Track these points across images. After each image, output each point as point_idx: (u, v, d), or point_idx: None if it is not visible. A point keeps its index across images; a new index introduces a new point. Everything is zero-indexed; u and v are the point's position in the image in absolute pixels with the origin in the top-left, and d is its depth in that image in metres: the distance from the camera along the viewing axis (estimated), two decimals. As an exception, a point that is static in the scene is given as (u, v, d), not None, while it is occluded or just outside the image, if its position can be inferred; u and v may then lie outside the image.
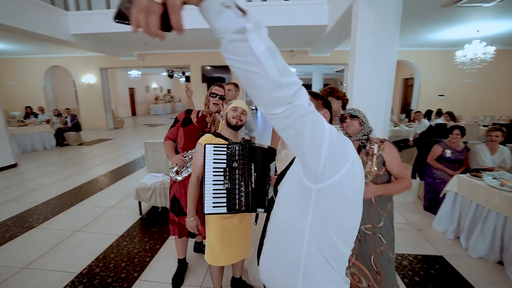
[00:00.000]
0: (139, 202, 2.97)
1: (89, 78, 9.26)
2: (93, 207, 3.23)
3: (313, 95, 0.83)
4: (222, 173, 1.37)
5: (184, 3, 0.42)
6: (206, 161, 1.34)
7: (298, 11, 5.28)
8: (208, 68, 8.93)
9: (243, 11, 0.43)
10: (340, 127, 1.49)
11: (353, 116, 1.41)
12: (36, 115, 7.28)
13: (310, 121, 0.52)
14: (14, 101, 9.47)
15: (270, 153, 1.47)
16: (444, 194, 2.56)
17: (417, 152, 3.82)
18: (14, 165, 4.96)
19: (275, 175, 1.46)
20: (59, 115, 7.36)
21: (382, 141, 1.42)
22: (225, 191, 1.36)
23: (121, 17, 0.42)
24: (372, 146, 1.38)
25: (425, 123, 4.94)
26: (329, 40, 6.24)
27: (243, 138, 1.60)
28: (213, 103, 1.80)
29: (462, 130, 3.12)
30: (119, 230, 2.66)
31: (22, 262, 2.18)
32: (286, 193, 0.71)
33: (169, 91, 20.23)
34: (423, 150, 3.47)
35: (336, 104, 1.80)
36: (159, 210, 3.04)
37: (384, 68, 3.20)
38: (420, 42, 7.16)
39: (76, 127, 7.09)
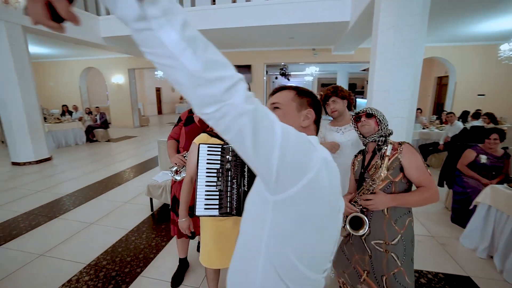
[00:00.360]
0: (151, 199, 3.04)
1: (118, 78, 9.82)
2: (109, 201, 3.38)
3: (299, 93, 0.74)
4: (215, 174, 1.31)
5: None
6: (199, 161, 1.30)
7: (319, 8, 5.08)
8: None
9: None
10: (354, 127, 1.36)
11: (369, 115, 1.27)
12: (70, 113, 7.88)
13: (249, 122, 0.43)
14: (54, 100, 10.36)
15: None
16: (475, 206, 2.27)
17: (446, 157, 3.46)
18: (48, 159, 5.39)
19: None
20: (89, 113, 7.90)
21: (400, 143, 1.24)
22: (217, 193, 1.30)
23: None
24: (392, 149, 1.19)
25: (459, 125, 4.48)
26: (352, 37, 5.94)
27: None
28: None
29: (501, 134, 2.76)
30: (130, 225, 2.74)
31: (41, 249, 2.33)
32: (249, 203, 0.63)
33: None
34: (453, 155, 3.13)
35: (340, 104, 1.66)
36: (170, 207, 3.08)
37: (408, 65, 2.93)
38: (456, 37, 6.53)
39: (105, 124, 7.55)
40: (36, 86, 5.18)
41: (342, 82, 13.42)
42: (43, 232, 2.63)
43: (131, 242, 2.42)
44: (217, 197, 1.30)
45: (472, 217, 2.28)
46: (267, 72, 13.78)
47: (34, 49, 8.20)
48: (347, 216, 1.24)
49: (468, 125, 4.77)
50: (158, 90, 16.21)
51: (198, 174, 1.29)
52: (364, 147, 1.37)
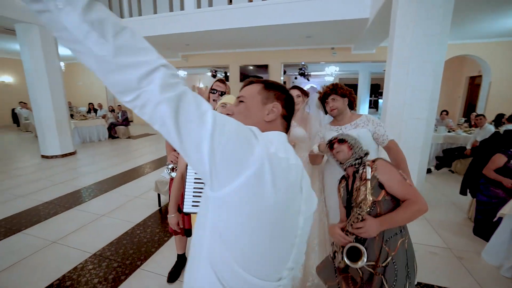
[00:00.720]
0: (158, 195, 3.11)
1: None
2: (122, 195, 3.51)
3: (266, 86, 0.69)
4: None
5: None
6: (190, 158, 1.29)
7: (336, 5, 4.91)
8: (248, 67, 8.99)
9: None
10: (331, 155, 1.33)
11: (341, 141, 1.27)
12: (96, 111, 8.36)
13: (169, 111, 0.41)
14: (82, 98, 11.07)
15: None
16: (500, 219, 2.04)
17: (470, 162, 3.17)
18: (73, 153, 5.75)
19: None
20: (112, 111, 8.33)
21: (373, 160, 1.18)
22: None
23: None
24: (365, 170, 1.14)
25: (489, 128, 4.09)
26: (372, 35, 5.67)
27: None
28: (213, 100, 1.74)
29: None
30: (137, 219, 2.82)
31: (54, 237, 2.47)
32: (201, 202, 0.59)
33: (213, 90, 21.15)
34: (479, 160, 2.85)
35: (340, 102, 1.57)
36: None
37: (428, 63, 2.72)
38: (491, 32, 5.97)
39: (126, 122, 7.91)
40: (66, 85, 5.55)
41: (364, 83, 12.92)
42: (59, 221, 2.79)
43: (135, 236, 2.49)
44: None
45: (497, 230, 2.05)
46: (285, 72, 13.65)
47: (66, 50, 8.82)
48: (343, 247, 1.14)
49: (502, 129, 4.33)
50: (179, 89, 16.70)
51: (187, 171, 1.29)
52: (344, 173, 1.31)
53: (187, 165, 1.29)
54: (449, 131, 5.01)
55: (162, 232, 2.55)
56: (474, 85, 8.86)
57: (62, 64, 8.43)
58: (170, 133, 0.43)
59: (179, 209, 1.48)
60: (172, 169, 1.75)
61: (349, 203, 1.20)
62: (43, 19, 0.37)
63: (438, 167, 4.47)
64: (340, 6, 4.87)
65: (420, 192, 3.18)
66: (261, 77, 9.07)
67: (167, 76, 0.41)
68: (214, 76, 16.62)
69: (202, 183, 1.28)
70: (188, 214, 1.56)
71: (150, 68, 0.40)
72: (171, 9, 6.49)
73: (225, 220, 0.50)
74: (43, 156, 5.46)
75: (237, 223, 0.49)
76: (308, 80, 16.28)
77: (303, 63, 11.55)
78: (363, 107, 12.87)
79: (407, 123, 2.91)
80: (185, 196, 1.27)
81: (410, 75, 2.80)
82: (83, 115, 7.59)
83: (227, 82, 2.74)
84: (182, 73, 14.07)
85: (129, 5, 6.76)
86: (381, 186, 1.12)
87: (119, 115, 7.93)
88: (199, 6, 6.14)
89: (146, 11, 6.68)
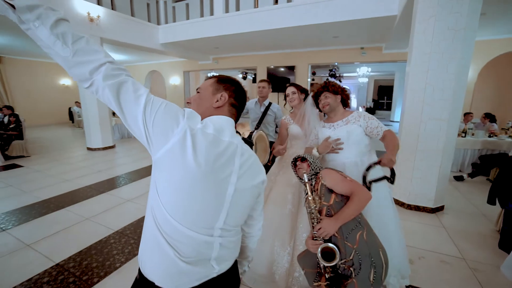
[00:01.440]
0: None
1: (175, 79, 11.01)
2: (146, 184, 3.88)
3: (218, 80, 0.82)
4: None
5: None
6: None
7: (362, 3, 4.78)
8: (278, 69, 9.09)
9: (13, 6, 0.52)
10: (294, 172, 1.49)
11: (303, 159, 1.44)
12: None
13: (111, 95, 0.57)
14: (126, 99, 12.26)
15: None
16: (521, 229, 1.84)
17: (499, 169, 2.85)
18: (112, 146, 6.46)
19: None
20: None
21: (319, 172, 1.37)
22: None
23: None
24: (317, 180, 1.34)
25: (536, 134, 3.60)
26: (403, 33, 5.36)
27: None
28: None
29: None
30: (156, 205, 3.12)
31: (88, 215, 2.87)
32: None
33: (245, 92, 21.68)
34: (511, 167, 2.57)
35: (332, 98, 1.60)
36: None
37: (451, 60, 2.56)
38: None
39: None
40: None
41: (401, 84, 12.11)
42: (93, 202, 3.22)
43: (153, 219, 2.77)
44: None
45: (516, 241, 1.86)
46: (314, 73, 13.43)
47: (114, 56, 9.91)
48: (328, 255, 1.21)
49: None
50: (211, 91, 17.46)
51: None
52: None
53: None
54: (490, 136, 4.52)
55: (176, 218, 2.79)
56: (532, 85, 7.75)
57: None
58: (116, 110, 0.60)
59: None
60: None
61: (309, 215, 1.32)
62: (29, 34, 0.56)
63: (472, 175, 4.06)
64: (366, 4, 4.73)
65: (443, 198, 2.98)
66: (289, 79, 9.11)
67: (110, 69, 0.58)
68: (244, 78, 17.08)
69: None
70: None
71: (97, 64, 0.57)
72: (201, 15, 6.92)
73: (159, 177, 0.64)
74: (88, 148, 6.23)
75: (166, 179, 0.63)
76: (340, 81, 15.80)
77: (336, 63, 11.27)
78: (398, 109, 12.06)
79: (426, 124, 2.75)
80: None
81: (430, 73, 2.65)
82: (124, 113, 8.43)
83: (260, 82, 2.93)
84: (213, 74, 14.75)
85: (165, 13, 7.37)
86: (330, 190, 1.25)
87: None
88: (227, 10, 6.45)
89: (180, 17, 7.22)
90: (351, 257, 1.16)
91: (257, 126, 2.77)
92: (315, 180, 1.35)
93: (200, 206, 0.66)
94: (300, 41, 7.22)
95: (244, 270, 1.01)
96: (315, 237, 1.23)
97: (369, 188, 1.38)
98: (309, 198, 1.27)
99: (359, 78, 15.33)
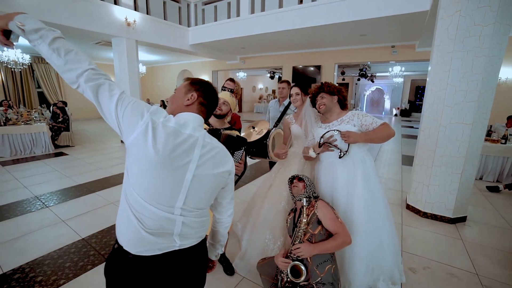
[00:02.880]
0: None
1: (204, 78, 11.49)
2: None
3: (191, 82, 0.94)
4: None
5: (7, 32, 0.77)
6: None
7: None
8: (308, 68, 9.02)
9: (22, 30, 0.73)
10: (289, 189, 1.60)
11: (300, 179, 1.54)
12: (165, 107, 9.86)
13: (91, 94, 0.74)
14: (160, 97, 13.12)
15: (237, 142, 1.55)
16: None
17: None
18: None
19: (239, 163, 1.53)
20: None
21: (316, 200, 1.46)
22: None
23: None
24: (310, 206, 1.44)
25: None
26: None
27: (222, 128, 1.74)
28: None
29: None
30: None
31: (113, 199, 3.23)
32: None
33: (273, 91, 21.71)
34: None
35: (328, 99, 1.61)
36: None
37: (477, 59, 2.36)
38: None
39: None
40: (148, 84, 6.83)
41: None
42: (119, 189, 3.58)
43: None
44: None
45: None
46: (343, 72, 12.96)
47: (149, 57, 10.71)
48: (294, 269, 1.38)
49: None
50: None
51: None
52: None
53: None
54: (536, 144, 4.00)
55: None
56: None
57: (144, 68, 10.26)
58: (96, 105, 0.76)
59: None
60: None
61: (293, 231, 1.45)
62: (35, 48, 0.75)
63: (510, 186, 3.65)
64: (393, 0, 4.49)
65: (466, 208, 2.83)
66: (315, 78, 8.96)
67: (91, 74, 0.75)
68: (272, 77, 17.12)
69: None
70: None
71: (82, 70, 0.74)
72: (228, 16, 7.15)
73: (128, 161, 0.78)
74: (121, 142, 6.86)
75: (133, 162, 0.77)
76: (372, 81, 15.02)
77: (368, 62, 10.76)
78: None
79: (446, 128, 2.57)
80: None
81: (452, 74, 2.47)
82: (155, 110, 9.07)
83: (281, 83, 3.06)
84: (241, 74, 15.04)
85: (195, 16, 7.76)
86: (319, 222, 1.36)
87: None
88: (252, 11, 6.58)
89: (208, 19, 7.55)
90: (315, 282, 1.34)
91: (276, 124, 2.87)
92: (308, 205, 1.44)
93: (159, 186, 0.78)
94: (325, 40, 7.08)
95: (218, 253, 1.12)
96: (288, 254, 1.40)
97: (319, 144, 1.57)
98: (303, 220, 1.40)
99: (393, 78, 14.42)
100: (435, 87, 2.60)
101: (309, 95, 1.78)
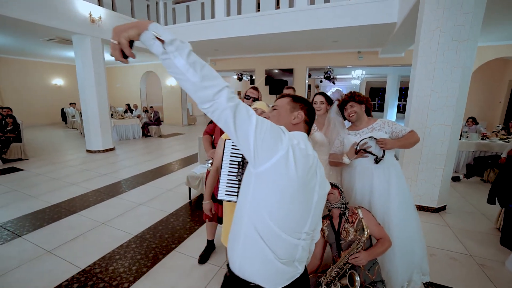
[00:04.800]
0: (189, 188, 3.43)
1: (172, 80, 10.93)
2: (156, 187, 3.90)
3: (293, 99, 0.90)
4: (236, 166, 1.52)
5: (130, 42, 0.63)
6: (224, 154, 1.52)
7: (363, 10, 4.95)
8: (275, 71, 9.19)
9: (162, 41, 0.61)
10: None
11: (335, 187, 1.56)
12: (131, 111, 9.10)
13: (230, 114, 0.64)
14: (120, 99, 12.05)
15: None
16: (525, 227, 2.01)
17: (498, 171, 3.05)
18: (112, 149, 6.38)
19: None
20: (146, 111, 9.00)
21: (356, 208, 1.52)
22: (237, 182, 1.50)
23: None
24: (352, 214, 1.51)
25: (527, 137, 3.86)
26: (401, 39, 5.58)
27: None
28: (247, 105, 1.97)
29: None
30: (170, 208, 3.15)
31: (103, 219, 2.87)
32: (244, 178, 0.81)
33: (239, 93, 21.71)
34: (510, 169, 2.76)
35: (358, 108, 1.71)
36: (205, 197, 3.44)
37: (455, 69, 2.73)
38: (536, 34, 5.57)
39: (158, 122, 8.52)
40: (107, 87, 6.18)
41: (393, 86, 12.47)
42: (105, 206, 3.21)
43: (170, 223, 2.81)
44: (237, 185, 1.50)
45: (520, 238, 2.03)
46: (310, 75, 13.62)
47: (107, 56, 9.74)
48: (343, 276, 1.45)
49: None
50: (205, 92, 17.41)
51: (222, 164, 1.51)
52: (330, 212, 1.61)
53: (222, 160, 1.53)
54: (483, 139, 4.78)
55: (193, 222, 2.84)
56: (517, 89, 8.20)
57: (105, 68, 9.29)
58: (229, 128, 0.66)
59: (213, 197, 1.73)
60: (211, 164, 2.00)
61: (338, 239, 1.52)
62: (165, 63, 0.63)
63: (468, 175, 4.30)
64: (367, 11, 4.90)
65: (446, 198, 3.18)
66: (287, 81, 9.24)
67: (230, 93, 0.65)
68: (240, 79, 17.10)
69: (234, 174, 1.50)
70: (220, 202, 1.81)
71: (219, 88, 0.64)
72: (202, 17, 6.94)
73: (263, 188, 0.71)
74: (88, 151, 6.14)
75: (270, 190, 0.70)
76: (333, 83, 16.05)
77: (328, 66, 11.51)
78: (391, 111, 12.42)
79: (431, 129, 2.91)
80: (220, 186, 1.50)
81: (435, 81, 2.81)
82: (121, 115, 8.32)
83: (287, 89, 3.03)
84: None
85: (165, 15, 7.34)
86: (363, 228, 1.44)
87: (152, 115, 8.57)
88: (228, 14, 6.49)
89: (180, 19, 7.21)
90: (368, 284, 1.46)
91: None
92: (349, 213, 1.52)
93: (297, 212, 0.74)
94: (299, 45, 7.35)
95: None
96: (345, 261, 1.46)
97: (356, 151, 1.65)
98: (350, 229, 1.48)
99: (352, 80, 15.70)
100: (420, 93, 2.92)
101: (337, 103, 1.85)
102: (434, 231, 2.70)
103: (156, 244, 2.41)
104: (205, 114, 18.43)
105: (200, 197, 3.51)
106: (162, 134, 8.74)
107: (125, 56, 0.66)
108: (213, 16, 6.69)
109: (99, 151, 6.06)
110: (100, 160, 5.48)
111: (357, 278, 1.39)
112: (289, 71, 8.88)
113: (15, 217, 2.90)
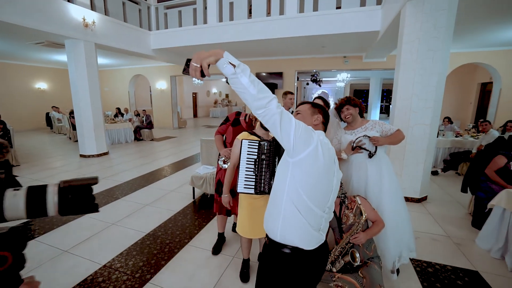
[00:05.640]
0: (193, 188, 3.60)
1: (162, 84, 10.94)
2: (159, 189, 4.02)
3: (312, 105, 1.15)
4: (253, 163, 1.74)
5: (208, 65, 0.84)
6: (241, 152, 1.74)
7: (350, 19, 5.33)
8: (263, 74, 9.48)
9: (234, 66, 0.83)
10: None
11: None
12: (122, 115, 9.04)
13: (278, 118, 0.88)
14: (108, 103, 11.86)
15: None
16: (491, 210, 2.38)
17: (470, 163, 3.48)
18: (106, 153, 6.37)
19: None
20: (138, 115, 8.98)
21: (354, 196, 1.77)
22: (254, 177, 1.73)
23: (185, 71, 0.86)
24: (351, 201, 1.76)
25: (493, 134, 4.36)
26: (383, 45, 6.03)
27: (272, 137, 1.94)
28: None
29: None
30: (176, 208, 3.31)
31: (112, 220, 2.99)
32: (279, 167, 1.04)
33: (227, 95, 21.89)
34: (479, 162, 3.17)
35: (353, 110, 1.99)
36: (208, 196, 3.62)
37: (431, 75, 3.11)
38: (500, 41, 6.22)
39: (150, 125, 8.53)
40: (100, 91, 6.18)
41: (376, 88, 13.14)
42: (112, 209, 3.31)
43: (178, 221, 2.97)
44: (253, 180, 1.73)
45: (487, 219, 2.39)
46: (298, 78, 14.06)
47: (99, 60, 9.62)
48: (345, 254, 1.71)
49: (507, 135, 4.58)
50: (194, 94, 17.43)
51: (240, 162, 1.73)
52: None
53: (239, 158, 1.74)
54: (456, 136, 5.29)
55: (200, 219, 3.02)
56: (485, 91, 9.00)
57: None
58: (276, 128, 0.88)
59: (231, 191, 1.94)
60: (224, 161, 2.21)
61: (339, 224, 1.77)
62: (232, 81, 0.84)
63: (445, 169, 4.76)
64: (353, 20, 5.29)
65: (426, 190, 3.58)
66: (276, 84, 9.55)
67: (277, 103, 0.88)
68: (228, 82, 17.20)
69: (252, 170, 1.73)
70: (234, 195, 2.02)
71: (270, 99, 0.87)
72: (194, 23, 7.09)
73: (299, 172, 0.94)
74: (81, 155, 6.10)
75: (305, 173, 0.94)
76: (319, 86, 16.65)
77: (315, 70, 11.99)
78: (374, 112, 13.07)
79: (413, 129, 3.28)
80: (239, 180, 1.71)
81: (415, 86, 3.18)
82: (112, 119, 8.26)
83: (289, 94, 3.30)
84: (197, 80, 14.78)
85: (156, 19, 7.42)
86: (361, 213, 1.70)
87: (144, 119, 8.58)
88: (221, 20, 6.70)
89: (172, 24, 7.32)
90: (366, 259, 1.73)
91: None
92: (348, 201, 1.78)
93: (323, 189, 0.98)
94: (288, 50, 7.69)
95: None
96: (347, 242, 1.72)
97: (352, 148, 1.93)
98: (350, 214, 1.74)
99: (337, 83, 16.32)
100: (403, 96, 3.29)
101: (335, 106, 2.12)
102: (418, 218, 3.05)
103: (169, 240, 2.57)
104: (195, 117, 18.36)
105: (204, 197, 3.69)
106: (154, 138, 8.76)
107: (203, 75, 0.87)
108: (205, 22, 6.87)
109: (93, 156, 6.04)
110: (96, 164, 5.48)
111: (357, 255, 1.66)
112: (279, 74, 9.20)
113: (21, 221, 2.94)
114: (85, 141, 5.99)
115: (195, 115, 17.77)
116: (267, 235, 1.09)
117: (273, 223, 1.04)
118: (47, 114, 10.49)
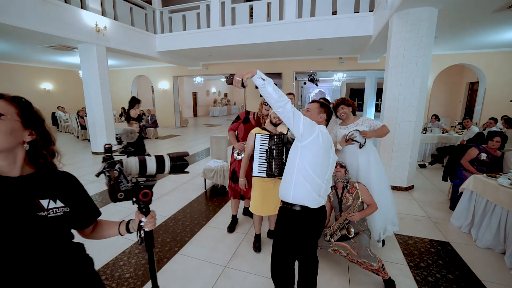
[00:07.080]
0: (205, 180, 4.00)
1: (164, 84, 11.28)
2: (172, 181, 4.42)
3: (320, 105, 1.57)
4: (265, 152, 2.15)
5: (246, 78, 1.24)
6: (255, 144, 2.15)
7: (345, 24, 5.74)
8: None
9: (263, 79, 1.23)
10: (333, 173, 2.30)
11: (342, 166, 2.20)
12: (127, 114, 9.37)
13: (291, 114, 1.29)
14: (112, 103, 12.15)
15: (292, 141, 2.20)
16: (462, 193, 2.82)
17: (449, 156, 3.93)
18: (116, 150, 6.72)
19: None
20: (143, 114, 9.33)
21: (355, 182, 2.19)
22: (265, 163, 2.14)
23: (228, 82, 1.26)
24: (352, 187, 2.17)
25: (474, 129, 4.83)
26: (376, 48, 6.47)
27: (280, 132, 2.35)
28: (265, 109, 2.61)
29: (504, 138, 3.22)
30: (191, 197, 3.71)
31: (133, 208, 3.37)
32: (291, 150, 1.46)
33: (226, 95, 22.25)
34: (457, 154, 3.62)
35: (346, 109, 2.40)
36: (218, 187, 4.02)
37: (415, 78, 3.54)
38: (484, 44, 6.68)
39: (155, 124, 8.89)
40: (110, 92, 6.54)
41: (371, 88, 13.60)
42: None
43: (194, 207, 3.38)
44: (265, 166, 2.14)
45: (459, 200, 2.83)
46: (296, 78, 14.47)
47: (109, 62, 9.93)
48: (342, 228, 2.12)
49: (487, 130, 5.05)
50: (194, 94, 17.77)
51: (254, 151, 2.14)
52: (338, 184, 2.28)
53: (253, 148, 2.15)
54: (443, 132, 5.75)
55: (213, 205, 3.43)
56: (473, 90, 9.50)
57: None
58: (290, 121, 1.30)
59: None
60: (238, 153, 2.62)
61: (340, 204, 2.21)
62: (262, 89, 1.25)
63: (432, 163, 5.22)
64: (347, 25, 5.71)
65: (413, 180, 4.05)
66: (275, 84, 9.95)
67: (290, 104, 1.30)
68: (258, 89, 17.57)
69: (264, 158, 2.13)
70: (249, 181, 2.43)
71: (286, 101, 1.28)
72: (198, 26, 7.46)
73: (306, 152, 1.35)
74: (93, 153, 6.46)
75: (310, 153, 1.35)
76: (316, 85, 17.07)
77: (311, 71, 12.43)
78: (369, 110, 13.54)
79: (400, 125, 3.72)
80: (254, 167, 2.12)
81: (402, 87, 3.62)
82: (119, 118, 8.60)
83: (288, 95, 3.66)
84: (199, 79, 15.12)
85: (161, 23, 7.78)
86: (358, 197, 2.11)
87: (149, 118, 8.93)
88: (223, 24, 7.08)
89: (176, 27, 7.68)
90: (359, 231, 2.14)
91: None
92: (349, 186, 2.19)
93: (323, 165, 1.39)
94: (287, 52, 8.09)
95: None
96: (345, 219, 2.13)
97: (346, 140, 2.32)
98: (350, 197, 2.16)
99: (334, 82, 16.78)
100: (391, 96, 3.72)
101: (332, 106, 2.54)
102: (404, 203, 3.49)
103: (189, 222, 2.98)
104: (195, 116, 18.67)
105: (214, 188, 4.09)
106: (159, 136, 9.12)
107: (243, 86, 1.27)
108: (208, 26, 7.24)
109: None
110: (109, 160, 5.84)
111: (352, 230, 2.07)
112: (278, 75, 9.61)
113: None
114: (97, 139, 6.35)
115: (195, 114, 18.11)
116: (282, 200, 1.51)
117: (287, 189, 1.45)
118: (53, 114, 10.78)
